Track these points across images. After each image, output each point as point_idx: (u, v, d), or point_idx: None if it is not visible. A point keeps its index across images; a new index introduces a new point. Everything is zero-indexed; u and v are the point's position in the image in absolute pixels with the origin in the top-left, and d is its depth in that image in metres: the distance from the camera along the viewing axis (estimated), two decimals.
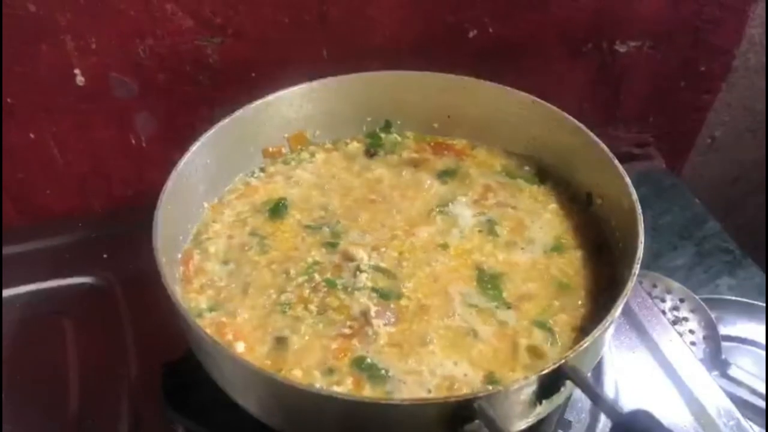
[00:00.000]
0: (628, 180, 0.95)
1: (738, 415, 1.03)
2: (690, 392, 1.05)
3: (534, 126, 1.11)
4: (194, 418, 0.94)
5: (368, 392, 0.83)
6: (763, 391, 1.20)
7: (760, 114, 1.71)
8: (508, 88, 1.11)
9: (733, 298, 1.37)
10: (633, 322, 1.15)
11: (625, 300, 0.79)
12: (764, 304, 1.34)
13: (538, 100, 1.09)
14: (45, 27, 1.15)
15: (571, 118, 1.06)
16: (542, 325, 0.91)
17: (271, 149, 1.15)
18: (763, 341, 1.31)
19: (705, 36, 1.52)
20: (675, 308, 1.33)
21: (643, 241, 0.86)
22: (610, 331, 0.84)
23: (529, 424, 0.79)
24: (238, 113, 1.06)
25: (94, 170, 1.36)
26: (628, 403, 1.04)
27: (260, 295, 0.95)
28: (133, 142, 1.34)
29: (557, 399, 0.77)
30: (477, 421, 0.69)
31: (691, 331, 1.30)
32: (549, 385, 0.74)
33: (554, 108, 1.07)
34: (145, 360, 1.07)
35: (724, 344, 1.28)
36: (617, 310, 0.78)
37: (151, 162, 1.33)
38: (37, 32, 1.16)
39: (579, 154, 1.05)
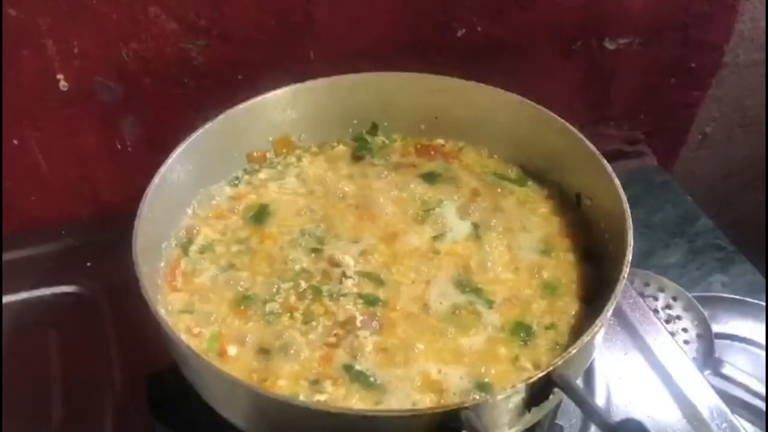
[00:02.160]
0: (616, 181, 0.94)
1: (731, 416, 1.03)
2: (682, 393, 1.05)
3: (522, 127, 1.09)
4: (180, 430, 0.93)
5: (356, 400, 0.82)
6: (758, 389, 1.19)
7: (750, 109, 1.71)
8: (496, 89, 1.09)
9: (726, 295, 1.36)
10: (624, 322, 1.14)
11: (614, 304, 0.78)
12: (757, 301, 1.34)
13: (526, 100, 1.08)
14: (26, 31, 1.14)
15: (558, 118, 1.05)
16: (529, 329, 0.90)
17: (255, 154, 1.13)
18: (757, 338, 1.30)
19: (694, 32, 1.51)
20: (668, 306, 1.32)
21: (632, 243, 0.85)
22: (600, 336, 0.83)
23: (519, 431, 0.78)
24: (221, 117, 1.05)
25: (80, 176, 1.35)
26: (620, 406, 1.03)
27: (245, 303, 0.93)
28: (119, 146, 1.33)
29: (546, 406, 0.76)
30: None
31: (684, 330, 1.29)
32: (537, 393, 0.72)
33: (542, 108, 1.06)
34: (129, 370, 1.06)
35: (717, 342, 1.27)
36: (606, 315, 0.77)
37: (137, 167, 1.29)
38: (18, 37, 1.14)
39: (567, 154, 1.04)
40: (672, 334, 1.18)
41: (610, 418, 0.66)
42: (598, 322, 0.76)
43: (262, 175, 1.13)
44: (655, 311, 1.27)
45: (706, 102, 1.67)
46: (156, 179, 0.94)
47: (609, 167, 0.96)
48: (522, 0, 1.35)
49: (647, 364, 1.09)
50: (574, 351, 0.73)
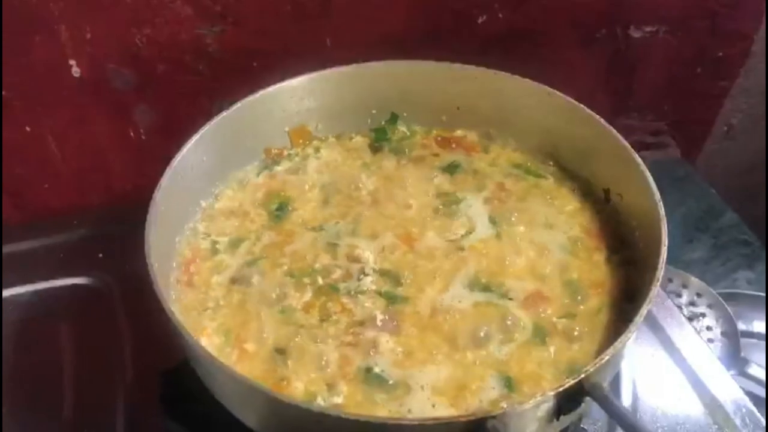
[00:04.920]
0: (649, 176, 0.92)
1: (758, 415, 1.00)
2: (711, 395, 1.02)
3: (548, 118, 1.07)
4: (192, 428, 0.92)
5: (374, 404, 0.80)
6: None
7: None
8: (522, 79, 1.07)
9: (752, 292, 1.34)
10: (650, 321, 1.11)
11: (648, 308, 0.76)
12: None
13: (554, 91, 1.05)
14: (38, 17, 1.13)
15: (588, 110, 1.02)
16: (553, 330, 0.88)
17: (273, 150, 1.12)
18: None
19: (723, 21, 1.48)
20: (692, 303, 1.30)
21: (666, 243, 0.83)
22: (631, 341, 0.80)
23: None
24: (237, 107, 1.03)
25: (93, 164, 1.34)
26: (647, 409, 1.01)
27: (261, 300, 0.92)
28: (132, 135, 1.32)
29: (575, 414, 0.74)
30: None
31: (709, 328, 1.27)
32: (567, 401, 0.70)
33: (571, 100, 1.04)
34: (142, 364, 1.05)
35: (743, 341, 1.25)
36: (639, 319, 0.75)
37: (150, 155, 1.29)
38: (30, 22, 1.13)
39: (597, 148, 1.02)
40: (696, 331, 1.15)
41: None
42: (631, 327, 0.74)
43: (279, 167, 1.11)
44: (679, 308, 1.24)
45: (733, 92, 1.64)
46: (170, 170, 0.93)
47: (641, 162, 0.93)
48: None
49: (675, 364, 1.06)
50: (607, 357, 0.70)
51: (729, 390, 1.03)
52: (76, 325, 1.12)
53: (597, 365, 0.69)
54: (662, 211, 0.86)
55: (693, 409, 1.01)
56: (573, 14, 1.39)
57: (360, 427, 0.68)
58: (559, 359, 0.84)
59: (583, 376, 0.68)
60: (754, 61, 1.60)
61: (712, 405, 1.01)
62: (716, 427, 0.98)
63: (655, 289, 0.77)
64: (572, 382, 0.68)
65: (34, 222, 1.32)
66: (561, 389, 0.68)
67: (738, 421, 0.99)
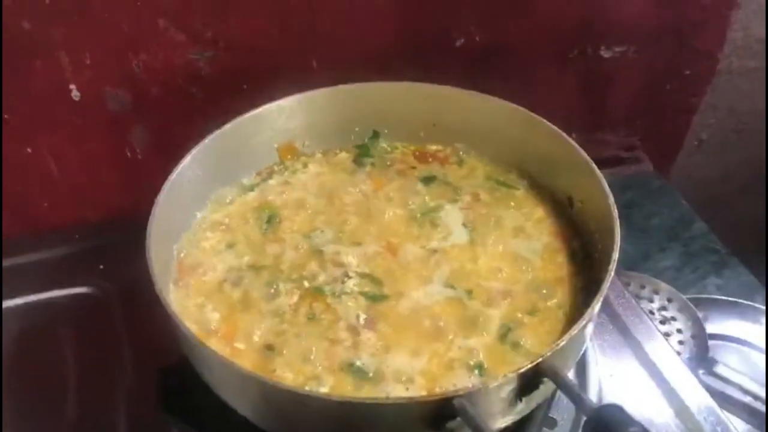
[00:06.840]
0: (603, 180, 0.96)
1: (720, 412, 1.04)
2: (673, 391, 1.07)
3: (515, 132, 1.11)
4: (190, 422, 0.95)
5: (355, 391, 0.85)
6: (750, 387, 1.21)
7: (744, 115, 1.73)
8: (488, 96, 1.11)
9: (720, 297, 1.38)
10: (617, 323, 1.16)
11: (601, 298, 0.81)
12: (750, 303, 1.36)
13: (518, 107, 1.09)
14: (40, 43, 1.17)
15: (548, 123, 1.06)
16: (524, 325, 0.93)
17: (263, 171, 1.17)
18: (749, 339, 1.33)
19: (688, 40, 1.53)
20: (663, 308, 1.34)
21: (618, 240, 0.87)
22: (588, 329, 0.86)
23: (512, 421, 0.81)
24: (229, 126, 1.07)
25: (90, 182, 1.37)
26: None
27: (252, 302, 0.96)
28: (129, 154, 1.35)
29: (537, 397, 0.79)
30: (458, 419, 0.71)
31: (679, 331, 1.31)
32: (528, 383, 0.75)
33: (533, 114, 1.08)
34: (141, 367, 1.08)
35: (711, 342, 1.29)
36: (594, 309, 0.80)
37: (146, 173, 1.32)
38: (31, 49, 1.17)
39: (559, 158, 1.06)
40: (667, 335, 1.20)
41: (593, 403, 0.70)
42: (585, 315, 0.79)
43: (270, 181, 1.16)
44: (651, 313, 1.29)
45: (702, 108, 1.69)
46: (168, 183, 0.97)
47: (596, 168, 0.98)
48: (518, 10, 1.37)
49: (639, 363, 1.11)
50: (563, 343, 0.76)
51: (692, 388, 1.07)
52: (78, 332, 1.15)
53: (554, 349, 0.75)
54: (615, 211, 0.91)
55: (657, 405, 1.05)
56: (546, 36, 1.43)
57: (339, 408, 0.73)
58: (525, 350, 0.90)
59: (540, 360, 0.74)
60: (721, 79, 1.64)
61: (675, 402, 1.06)
62: (678, 420, 1.03)
63: (609, 280, 0.82)
64: (531, 364, 0.74)
65: (34, 237, 1.34)
66: (521, 371, 0.73)
67: (698, 415, 1.03)
